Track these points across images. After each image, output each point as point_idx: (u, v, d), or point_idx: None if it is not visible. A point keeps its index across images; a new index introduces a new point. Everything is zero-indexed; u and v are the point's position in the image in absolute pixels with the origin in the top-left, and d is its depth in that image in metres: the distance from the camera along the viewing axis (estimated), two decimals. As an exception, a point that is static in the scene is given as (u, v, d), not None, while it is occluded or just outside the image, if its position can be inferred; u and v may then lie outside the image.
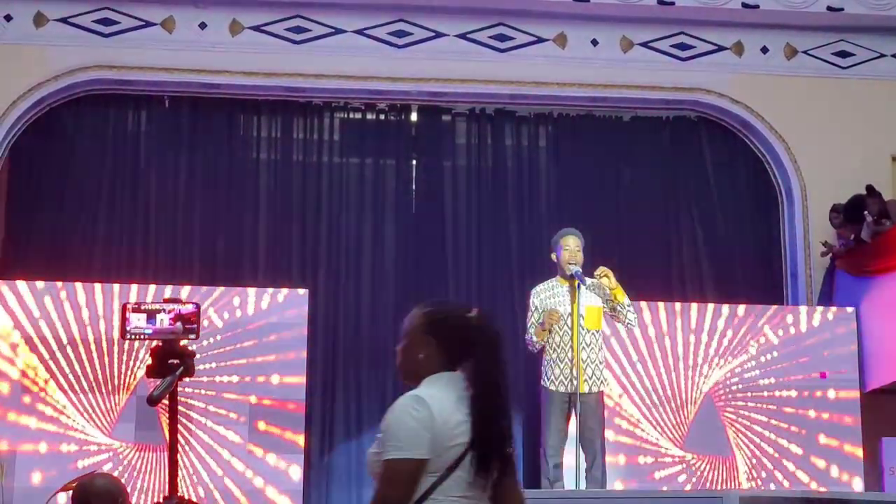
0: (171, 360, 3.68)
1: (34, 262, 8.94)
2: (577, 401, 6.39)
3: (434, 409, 3.00)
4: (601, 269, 6.67)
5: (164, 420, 7.98)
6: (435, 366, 3.13)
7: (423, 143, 9.88)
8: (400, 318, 10.66)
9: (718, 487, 8.47)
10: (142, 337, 3.76)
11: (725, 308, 8.93)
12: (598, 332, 6.65)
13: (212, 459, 8.23)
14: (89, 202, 9.28)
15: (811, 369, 8.84)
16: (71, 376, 8.18)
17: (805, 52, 9.84)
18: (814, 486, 8.53)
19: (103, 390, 8.19)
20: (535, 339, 6.61)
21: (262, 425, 8.29)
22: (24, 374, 8.15)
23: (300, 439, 8.35)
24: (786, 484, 8.60)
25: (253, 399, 8.33)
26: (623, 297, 6.66)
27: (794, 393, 8.81)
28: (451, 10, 9.54)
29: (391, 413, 3.04)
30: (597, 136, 9.90)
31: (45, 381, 8.15)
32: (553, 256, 6.77)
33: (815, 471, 8.68)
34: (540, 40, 9.68)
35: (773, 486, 8.53)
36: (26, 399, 8.11)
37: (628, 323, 6.81)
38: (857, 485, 8.60)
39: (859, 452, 8.72)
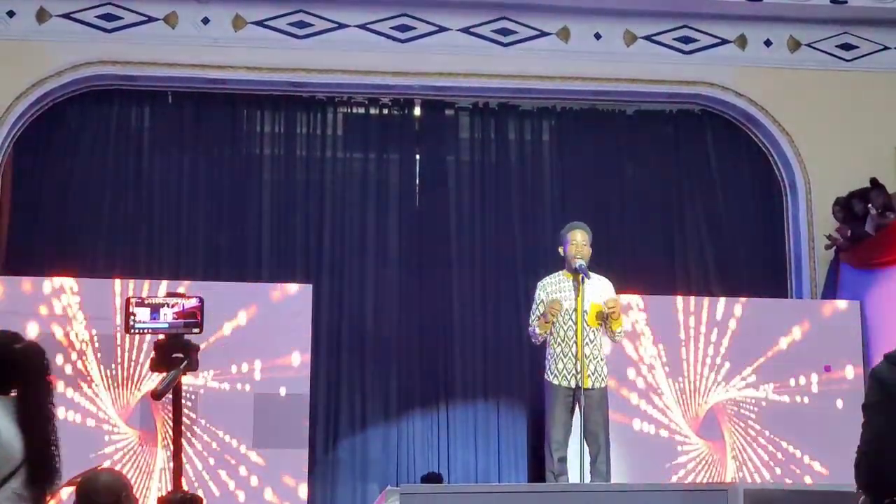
0: (175, 354, 3.68)
1: (38, 257, 8.95)
2: (581, 395, 6.38)
3: None
4: (612, 301, 6.56)
5: (161, 416, 7.99)
6: None
7: (426, 137, 9.88)
8: (403, 312, 10.55)
9: (723, 480, 8.47)
10: (146, 331, 3.76)
11: (729, 301, 8.92)
12: (599, 329, 6.63)
13: (216, 453, 8.24)
14: (93, 198, 9.28)
15: (815, 362, 8.83)
16: (73, 372, 8.18)
17: (809, 45, 9.82)
18: (817, 479, 8.53)
19: (108, 385, 8.20)
20: (538, 331, 6.59)
21: (266, 420, 8.29)
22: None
23: (304, 433, 8.35)
24: (789, 477, 8.59)
25: (257, 393, 8.33)
26: (618, 327, 6.61)
27: (797, 386, 8.81)
28: (454, 4, 9.53)
29: None
30: (600, 130, 9.90)
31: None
32: (560, 250, 6.73)
33: (818, 464, 8.68)
34: (543, 34, 9.67)
35: (785, 479, 8.52)
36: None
37: (615, 340, 6.79)
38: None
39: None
